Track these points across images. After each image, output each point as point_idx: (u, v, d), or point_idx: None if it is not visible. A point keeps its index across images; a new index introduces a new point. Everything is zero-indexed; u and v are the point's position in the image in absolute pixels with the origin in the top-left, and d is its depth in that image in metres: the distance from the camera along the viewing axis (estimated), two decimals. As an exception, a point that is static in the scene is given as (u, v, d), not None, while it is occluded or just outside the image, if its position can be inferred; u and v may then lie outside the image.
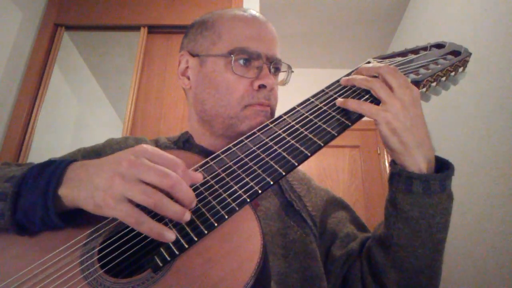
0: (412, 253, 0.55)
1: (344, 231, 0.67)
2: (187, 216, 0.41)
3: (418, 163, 0.52)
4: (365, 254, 0.62)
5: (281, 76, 0.72)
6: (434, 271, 0.56)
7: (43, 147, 1.68)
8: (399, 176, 0.54)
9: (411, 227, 0.54)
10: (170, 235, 0.40)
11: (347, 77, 0.58)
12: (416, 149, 0.52)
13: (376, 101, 0.54)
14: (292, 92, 1.37)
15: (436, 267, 0.56)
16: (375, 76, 0.56)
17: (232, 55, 0.62)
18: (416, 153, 0.52)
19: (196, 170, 0.49)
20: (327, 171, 2.45)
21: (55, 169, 0.46)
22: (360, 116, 0.53)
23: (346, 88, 0.58)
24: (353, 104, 0.53)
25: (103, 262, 0.43)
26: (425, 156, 0.53)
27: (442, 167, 0.55)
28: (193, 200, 0.42)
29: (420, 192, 0.52)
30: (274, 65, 0.66)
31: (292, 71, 0.72)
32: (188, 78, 0.69)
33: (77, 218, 0.45)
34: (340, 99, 0.55)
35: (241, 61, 0.63)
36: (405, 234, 0.54)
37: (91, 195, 0.42)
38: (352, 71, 0.61)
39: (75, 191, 0.43)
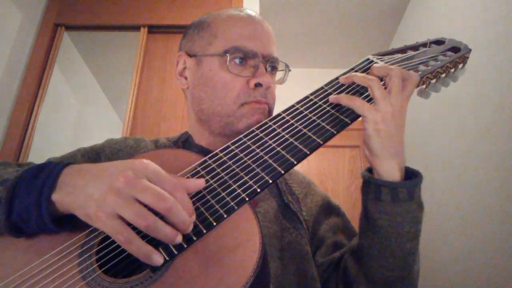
0: (382, 263, 0.54)
1: (332, 239, 0.67)
2: (179, 239, 0.40)
3: (392, 172, 0.53)
4: (342, 264, 0.62)
5: (279, 75, 0.72)
6: (407, 283, 0.55)
7: (43, 147, 1.68)
8: (369, 184, 0.54)
9: (380, 236, 0.53)
10: (158, 259, 0.39)
11: (345, 75, 0.57)
12: (392, 156, 0.52)
13: (370, 102, 0.54)
14: (292, 93, 1.37)
15: (409, 279, 0.55)
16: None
17: (227, 54, 0.62)
18: (392, 161, 0.53)
19: (194, 168, 0.49)
20: (327, 171, 2.44)
21: (50, 173, 0.45)
22: (359, 115, 0.53)
23: (345, 86, 0.57)
24: (344, 99, 0.53)
25: (101, 262, 0.43)
26: (399, 165, 0.53)
27: (410, 177, 0.55)
28: (188, 225, 0.41)
29: (389, 200, 0.52)
30: (271, 63, 0.66)
31: (290, 70, 0.71)
32: (186, 78, 0.70)
33: (74, 220, 0.44)
34: (333, 96, 0.54)
35: (237, 60, 0.63)
36: (375, 244, 0.54)
37: (84, 204, 0.41)
38: (349, 70, 0.60)
39: (69, 197, 0.43)
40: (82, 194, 0.42)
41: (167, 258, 0.40)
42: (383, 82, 0.54)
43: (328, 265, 0.64)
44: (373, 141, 0.52)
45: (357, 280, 0.57)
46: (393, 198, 0.52)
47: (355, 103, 0.52)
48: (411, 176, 0.55)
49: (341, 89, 0.57)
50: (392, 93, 0.52)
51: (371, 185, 0.54)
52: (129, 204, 0.39)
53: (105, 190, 0.40)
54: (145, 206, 0.39)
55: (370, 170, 0.57)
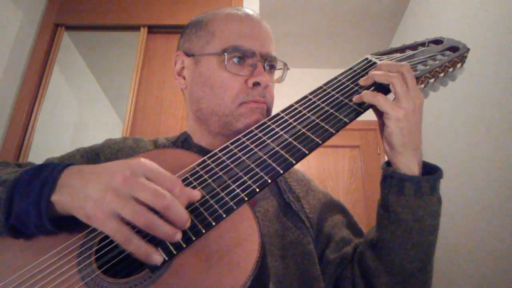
0: (404, 256, 0.55)
1: (339, 235, 0.67)
2: (178, 236, 0.40)
3: (412, 166, 0.54)
4: (357, 258, 0.62)
5: (278, 74, 0.72)
6: (425, 274, 0.56)
7: (43, 147, 1.68)
8: (391, 178, 0.55)
9: (403, 229, 0.54)
10: (158, 258, 0.39)
11: (365, 77, 0.57)
12: (413, 152, 0.54)
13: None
14: (292, 93, 1.37)
15: (427, 271, 0.56)
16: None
17: (225, 53, 0.62)
18: (412, 156, 0.54)
19: (193, 168, 0.49)
20: (327, 171, 2.44)
21: (49, 175, 0.45)
22: (357, 114, 0.53)
23: (345, 85, 0.57)
24: (367, 96, 0.53)
25: (100, 262, 0.43)
26: (418, 160, 0.54)
27: (430, 171, 0.56)
28: (186, 222, 0.41)
29: (412, 194, 0.53)
30: (269, 62, 0.66)
31: (288, 69, 0.72)
32: (184, 78, 0.69)
33: (73, 221, 0.44)
34: (356, 96, 0.55)
35: (235, 59, 0.63)
36: (397, 237, 0.55)
37: (83, 205, 0.41)
38: (348, 70, 0.60)
39: (68, 198, 0.43)
40: (81, 195, 0.41)
41: (166, 258, 0.40)
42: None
43: (341, 261, 0.64)
44: (396, 138, 0.53)
45: (376, 273, 0.58)
46: (416, 192, 0.53)
47: (379, 99, 0.53)
48: (428, 170, 0.56)
49: (340, 88, 0.57)
50: (410, 89, 0.53)
51: (394, 179, 0.54)
52: (127, 202, 0.39)
53: (103, 189, 0.40)
54: (144, 204, 0.39)
55: (388, 163, 0.57)
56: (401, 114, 0.52)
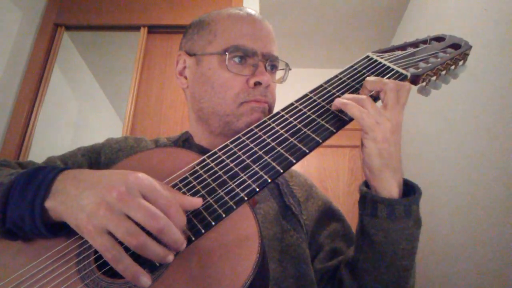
0: (376, 278, 0.54)
1: (331, 246, 0.66)
2: (170, 258, 0.39)
3: (391, 189, 0.52)
4: (338, 275, 0.62)
5: (280, 74, 0.72)
6: None
7: (43, 147, 1.68)
8: (365, 199, 0.54)
9: (375, 252, 0.53)
10: (145, 280, 0.37)
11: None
12: (392, 174, 0.52)
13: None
14: (292, 93, 1.37)
15: None
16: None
17: (226, 53, 0.62)
18: (391, 178, 0.52)
19: (193, 168, 0.49)
20: (327, 171, 2.44)
21: (43, 180, 0.44)
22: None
23: (345, 83, 0.57)
24: (352, 108, 0.51)
25: (100, 262, 0.42)
26: (398, 182, 0.52)
27: (410, 191, 0.54)
28: (181, 245, 0.39)
29: (385, 217, 0.51)
30: (271, 62, 0.66)
31: (290, 69, 0.71)
32: (186, 78, 0.69)
33: (69, 226, 0.43)
34: (340, 101, 0.52)
35: (236, 59, 0.63)
36: (369, 258, 0.54)
37: (75, 215, 0.40)
38: (349, 67, 0.60)
39: (62, 206, 0.42)
40: (74, 204, 0.41)
41: None
42: (372, 92, 0.53)
43: (325, 272, 0.63)
44: (375, 161, 0.51)
45: None
46: (389, 215, 0.51)
47: (363, 116, 0.50)
48: (410, 189, 0.54)
49: (341, 86, 0.57)
50: (388, 108, 0.51)
51: (368, 200, 0.53)
52: (120, 221, 0.37)
53: (97, 203, 0.39)
54: (137, 223, 0.38)
55: (367, 183, 0.56)
56: (379, 135, 0.50)
